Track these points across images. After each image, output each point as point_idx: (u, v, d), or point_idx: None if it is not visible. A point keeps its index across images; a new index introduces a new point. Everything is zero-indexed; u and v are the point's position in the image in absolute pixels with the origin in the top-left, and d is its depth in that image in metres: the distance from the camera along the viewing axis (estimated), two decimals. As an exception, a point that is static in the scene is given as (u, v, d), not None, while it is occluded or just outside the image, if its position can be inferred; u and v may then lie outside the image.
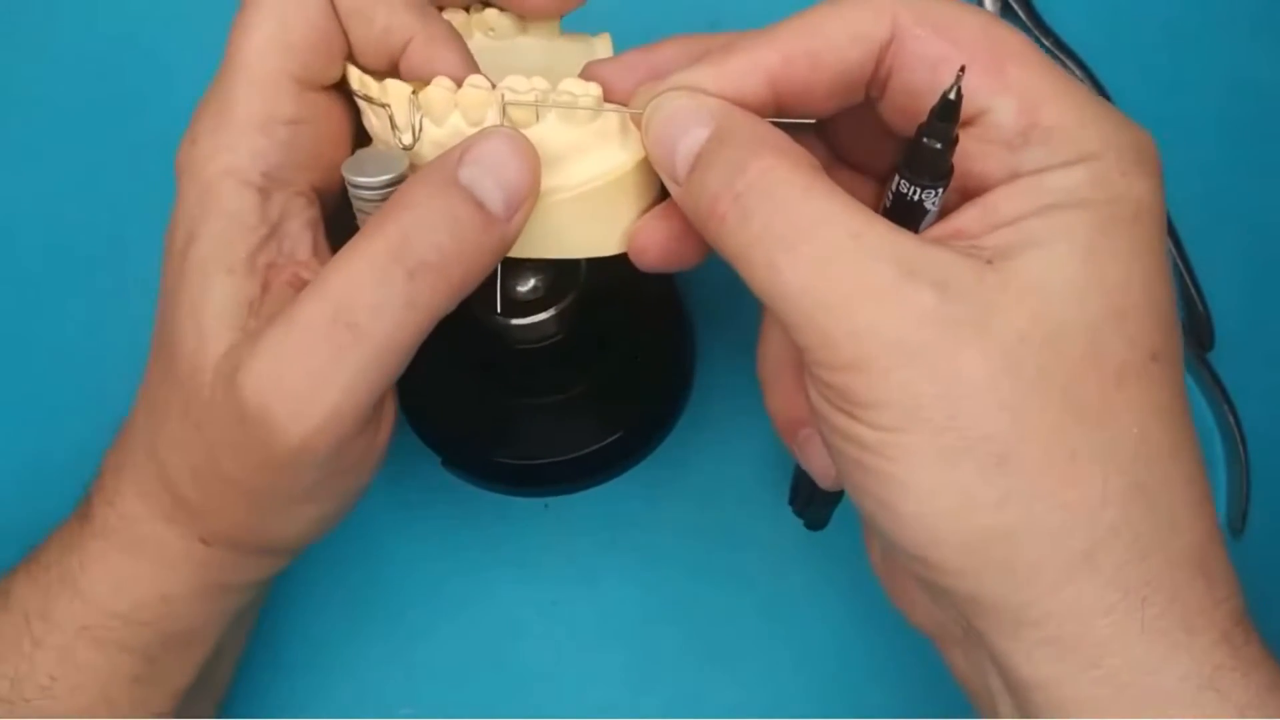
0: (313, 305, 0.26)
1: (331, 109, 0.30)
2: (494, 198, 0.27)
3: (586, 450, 0.39)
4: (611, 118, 0.28)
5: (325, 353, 0.26)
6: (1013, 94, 0.26)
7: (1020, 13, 0.47)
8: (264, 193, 0.28)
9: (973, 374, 0.24)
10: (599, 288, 0.37)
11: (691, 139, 0.26)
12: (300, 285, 0.28)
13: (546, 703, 0.41)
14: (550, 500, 0.43)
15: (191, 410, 0.28)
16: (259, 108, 0.28)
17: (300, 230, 0.29)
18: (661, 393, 0.40)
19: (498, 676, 0.42)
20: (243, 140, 0.28)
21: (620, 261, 0.30)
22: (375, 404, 0.28)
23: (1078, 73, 0.46)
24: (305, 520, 0.30)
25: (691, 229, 0.28)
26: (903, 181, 0.26)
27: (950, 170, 0.26)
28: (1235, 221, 0.46)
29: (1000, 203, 0.25)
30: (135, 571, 0.31)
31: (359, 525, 0.43)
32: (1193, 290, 0.45)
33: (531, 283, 0.36)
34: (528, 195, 0.27)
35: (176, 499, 0.30)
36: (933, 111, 0.25)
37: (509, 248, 0.28)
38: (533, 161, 0.27)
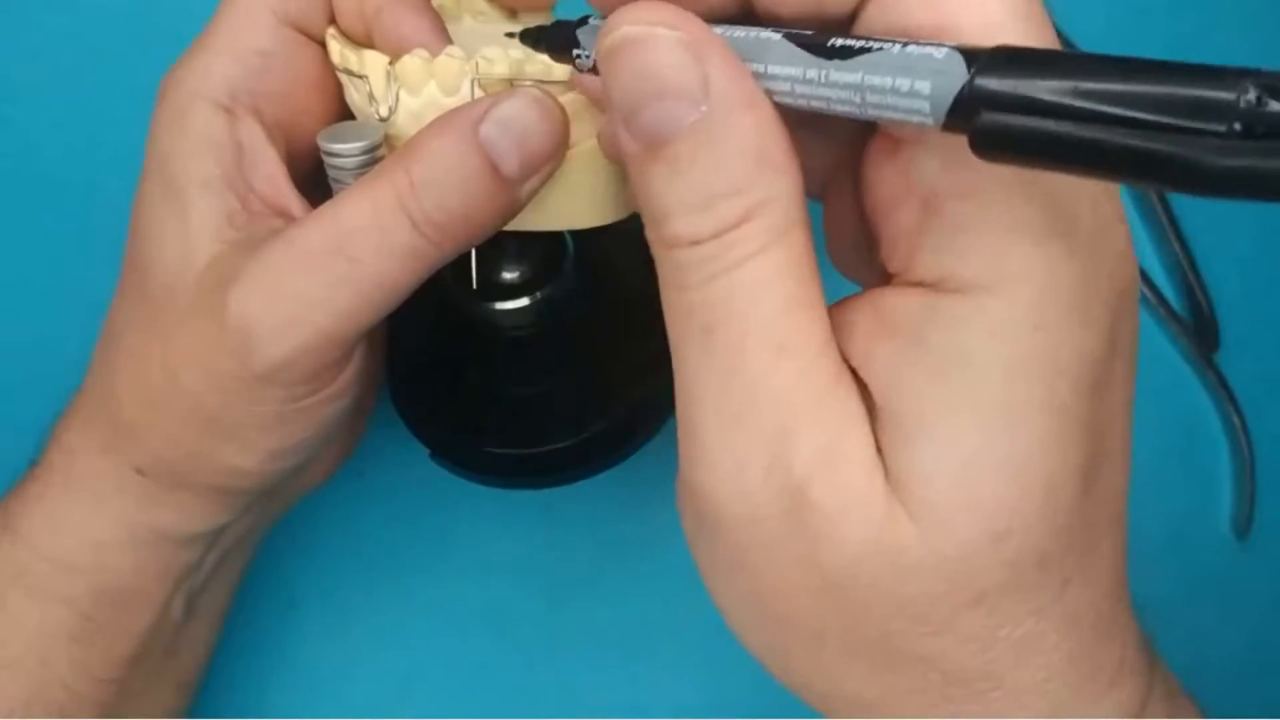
0: (316, 231, 0.26)
1: (308, 53, 0.30)
2: (510, 161, 0.26)
3: (580, 438, 0.38)
4: (586, 87, 0.28)
5: (321, 278, 0.26)
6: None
7: (1024, 11, 0.47)
8: (230, 114, 0.29)
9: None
10: (587, 271, 0.36)
11: (671, 116, 0.20)
12: (282, 211, 0.29)
13: (549, 703, 0.41)
14: (550, 499, 0.42)
15: (160, 318, 0.28)
16: (234, 37, 0.29)
17: (272, 162, 0.29)
18: (655, 377, 0.40)
19: (498, 677, 0.41)
20: (215, 64, 0.29)
21: (607, 242, 0.30)
22: (356, 339, 0.28)
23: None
24: (254, 453, 0.29)
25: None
26: None
27: None
28: (1240, 222, 0.45)
29: (882, 352, 0.21)
30: (69, 511, 0.30)
31: (350, 522, 0.43)
32: (1198, 292, 0.44)
33: (519, 267, 0.36)
34: (545, 162, 0.27)
35: (117, 423, 0.30)
36: None
37: (517, 211, 0.28)
38: (558, 128, 0.26)
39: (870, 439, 0.21)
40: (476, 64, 0.27)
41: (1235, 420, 0.43)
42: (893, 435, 0.21)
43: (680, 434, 0.23)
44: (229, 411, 0.28)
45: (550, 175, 0.27)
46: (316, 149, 0.29)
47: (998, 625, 0.21)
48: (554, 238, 0.36)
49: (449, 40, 0.29)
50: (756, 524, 0.21)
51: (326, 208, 0.27)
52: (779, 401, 0.21)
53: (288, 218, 0.29)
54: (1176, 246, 0.44)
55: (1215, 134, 0.14)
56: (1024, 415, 0.20)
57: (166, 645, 0.33)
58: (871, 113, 0.19)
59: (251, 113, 0.29)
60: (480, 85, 0.27)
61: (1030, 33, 0.19)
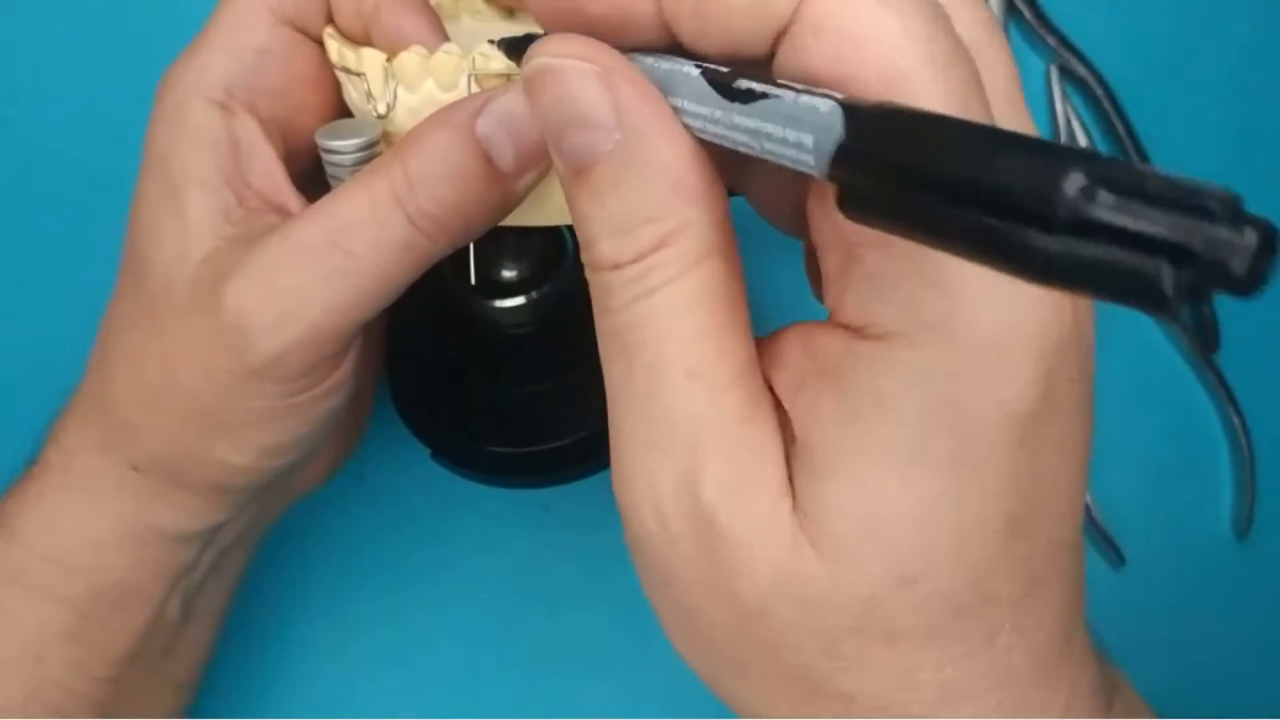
0: (311, 226, 0.26)
1: (305, 52, 0.30)
2: (506, 155, 0.26)
3: (580, 436, 0.38)
4: None
5: (316, 271, 0.26)
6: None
7: (1025, 12, 0.47)
8: (226, 110, 0.29)
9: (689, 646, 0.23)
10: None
11: (589, 143, 0.21)
12: (278, 207, 0.29)
13: (549, 705, 0.41)
14: (550, 500, 0.42)
15: (157, 316, 0.28)
16: (231, 34, 0.29)
17: (268, 158, 0.29)
18: None
19: (498, 678, 0.41)
20: (212, 62, 0.29)
21: None
22: (352, 334, 0.28)
23: (1081, 70, 0.45)
24: (250, 450, 0.29)
25: None
26: None
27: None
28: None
29: (805, 388, 0.21)
30: (66, 510, 0.30)
31: (350, 524, 0.43)
32: (1198, 291, 0.44)
33: (518, 265, 0.36)
34: (542, 156, 0.26)
35: (113, 421, 0.30)
36: None
37: (515, 206, 0.27)
38: None
39: (781, 470, 0.21)
40: (474, 60, 0.27)
41: (1235, 420, 0.43)
42: (807, 470, 0.21)
43: (611, 451, 0.23)
44: (225, 407, 0.28)
45: (547, 170, 0.27)
46: (314, 146, 0.29)
47: (916, 668, 0.21)
48: (553, 235, 0.36)
49: (446, 37, 0.29)
50: (673, 545, 0.21)
51: (322, 203, 0.27)
52: (688, 427, 0.21)
53: (284, 213, 0.29)
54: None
55: (1041, 220, 0.13)
56: (933, 464, 0.20)
57: (164, 645, 0.33)
58: (771, 159, 0.19)
59: (248, 109, 0.29)
60: (477, 81, 0.27)
61: (938, 78, 0.18)
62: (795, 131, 0.18)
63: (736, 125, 0.19)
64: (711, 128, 0.20)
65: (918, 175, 0.15)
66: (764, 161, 0.23)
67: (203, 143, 0.28)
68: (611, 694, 0.41)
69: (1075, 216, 0.13)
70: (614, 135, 0.21)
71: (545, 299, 0.36)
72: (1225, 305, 0.44)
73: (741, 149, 0.20)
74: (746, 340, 0.22)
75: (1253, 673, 0.41)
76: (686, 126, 0.21)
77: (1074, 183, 0.13)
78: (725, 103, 0.19)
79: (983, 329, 0.19)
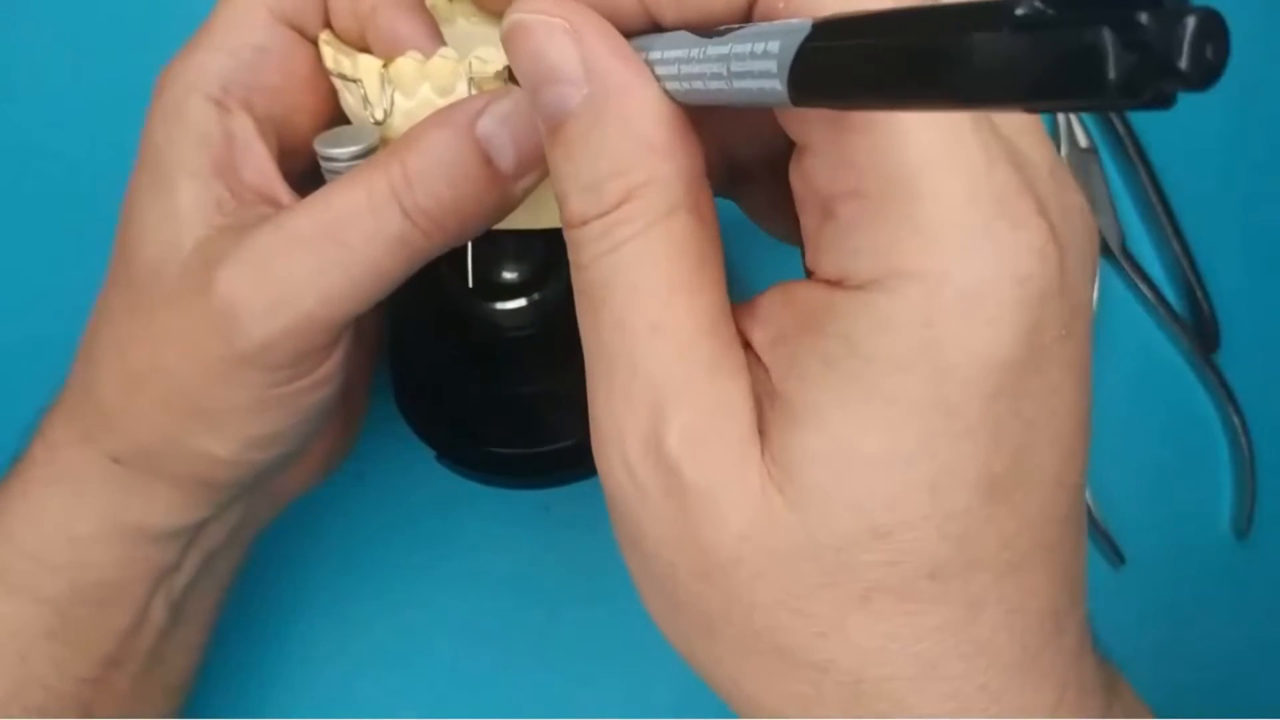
0: (306, 217, 0.26)
1: (303, 52, 0.30)
2: (506, 157, 0.26)
3: (581, 437, 0.38)
4: None
5: (310, 262, 0.26)
6: (843, 148, 0.20)
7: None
8: (221, 105, 0.29)
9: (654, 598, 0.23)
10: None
11: (560, 98, 0.22)
12: (271, 201, 0.29)
13: (549, 706, 0.41)
14: (551, 501, 0.42)
15: (146, 302, 0.28)
16: (230, 33, 0.29)
17: (262, 154, 0.29)
18: None
19: (498, 679, 0.41)
20: (210, 59, 0.29)
21: None
22: (342, 326, 0.28)
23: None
24: (233, 441, 0.29)
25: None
26: None
27: None
28: (1241, 222, 0.45)
29: (783, 341, 0.21)
30: (50, 506, 0.30)
31: (349, 525, 0.43)
32: (1198, 291, 0.44)
33: (518, 267, 0.36)
34: (541, 159, 0.26)
35: (97, 411, 0.29)
36: None
37: (513, 207, 0.27)
38: None
39: (749, 421, 0.21)
40: (470, 64, 0.27)
41: (1235, 420, 0.43)
42: (782, 420, 0.20)
43: (588, 410, 0.23)
44: (209, 394, 0.28)
45: (546, 174, 0.27)
46: (309, 147, 0.29)
47: (890, 635, 0.20)
48: (553, 237, 0.36)
49: (443, 42, 0.29)
50: (642, 500, 0.22)
51: (318, 194, 0.27)
52: (653, 380, 0.21)
53: (277, 207, 0.29)
54: (1176, 246, 0.44)
55: (988, 23, 0.13)
56: (908, 410, 0.19)
57: (151, 647, 0.33)
58: (736, 84, 0.19)
59: (243, 106, 0.29)
60: (475, 85, 0.27)
61: None
62: (763, 42, 0.18)
63: (709, 56, 0.20)
64: (685, 68, 0.20)
65: (874, 32, 0.16)
66: (756, 165, 0.23)
67: (197, 137, 0.28)
68: (611, 694, 0.41)
69: (1024, 8, 0.13)
70: (582, 89, 0.21)
71: (545, 301, 0.36)
72: (1223, 305, 0.44)
73: (714, 88, 0.20)
74: (717, 296, 0.22)
75: (1253, 673, 0.41)
76: (663, 86, 0.21)
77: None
78: (701, 40, 0.20)
79: (961, 276, 0.19)
